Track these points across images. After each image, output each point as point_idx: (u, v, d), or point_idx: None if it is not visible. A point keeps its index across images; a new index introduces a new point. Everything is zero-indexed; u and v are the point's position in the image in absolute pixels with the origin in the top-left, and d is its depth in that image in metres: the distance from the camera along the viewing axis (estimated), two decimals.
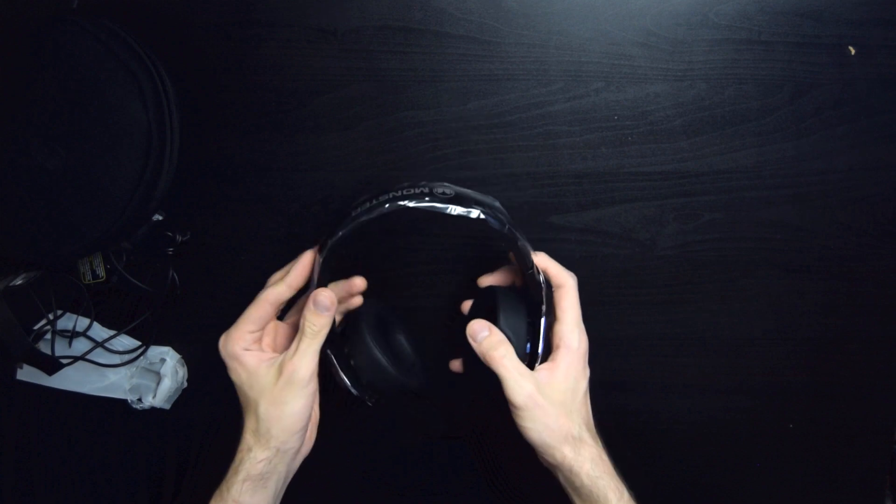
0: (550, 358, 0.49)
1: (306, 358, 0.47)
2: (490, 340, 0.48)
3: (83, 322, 0.62)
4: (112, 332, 0.63)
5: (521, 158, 0.60)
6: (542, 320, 0.50)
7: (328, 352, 0.51)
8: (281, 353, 0.49)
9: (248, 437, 0.48)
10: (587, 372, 0.50)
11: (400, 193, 0.45)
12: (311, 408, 0.48)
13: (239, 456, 0.48)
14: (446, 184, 0.47)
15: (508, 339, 0.49)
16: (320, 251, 0.48)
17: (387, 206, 0.45)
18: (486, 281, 0.56)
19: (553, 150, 0.60)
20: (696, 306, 0.63)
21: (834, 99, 0.59)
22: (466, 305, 0.58)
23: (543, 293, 0.50)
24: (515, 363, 0.47)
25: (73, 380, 0.63)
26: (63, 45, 0.49)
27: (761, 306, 0.63)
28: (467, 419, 0.65)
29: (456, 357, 0.58)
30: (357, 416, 0.65)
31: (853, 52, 0.58)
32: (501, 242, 0.49)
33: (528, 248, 0.49)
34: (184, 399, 0.64)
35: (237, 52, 0.58)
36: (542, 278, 0.50)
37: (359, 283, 0.55)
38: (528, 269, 0.50)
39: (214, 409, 0.65)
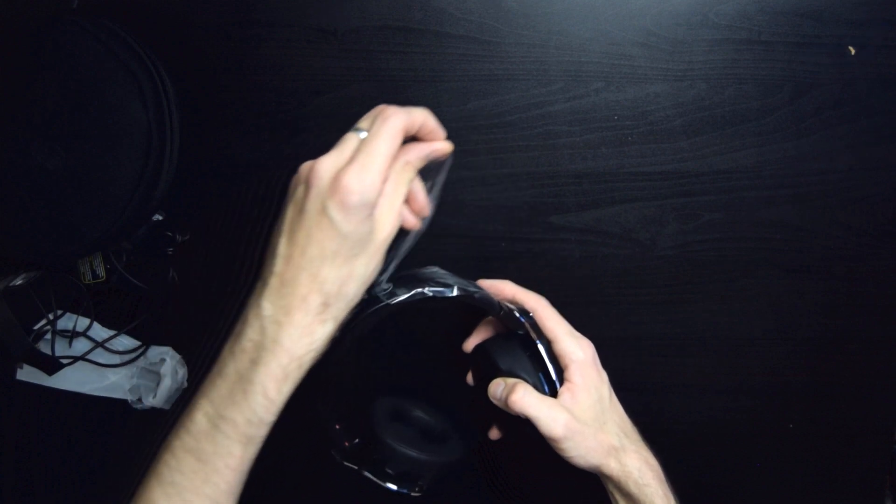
0: (565, 378, 0.49)
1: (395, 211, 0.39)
2: (506, 390, 0.47)
3: (83, 322, 0.62)
4: (112, 332, 0.63)
5: (521, 158, 0.60)
6: (539, 346, 0.49)
7: (364, 473, 0.51)
8: None
9: (309, 294, 0.37)
10: (604, 375, 0.50)
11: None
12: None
13: (297, 316, 0.38)
14: (383, 283, 0.46)
15: (521, 379, 0.48)
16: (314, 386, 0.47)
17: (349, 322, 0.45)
18: (471, 343, 0.55)
19: (553, 150, 0.60)
20: (696, 306, 0.63)
21: (834, 99, 0.59)
22: (469, 378, 0.57)
23: (526, 323, 0.50)
24: (539, 399, 0.46)
25: (73, 380, 0.63)
26: (63, 45, 0.49)
27: (761, 306, 0.63)
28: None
29: (488, 425, 0.57)
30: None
31: (853, 52, 0.58)
32: (460, 304, 0.49)
33: (487, 294, 0.49)
34: (184, 399, 0.64)
35: (237, 52, 0.58)
36: (515, 310, 0.50)
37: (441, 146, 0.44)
38: (498, 311, 0.50)
39: None
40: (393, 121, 0.39)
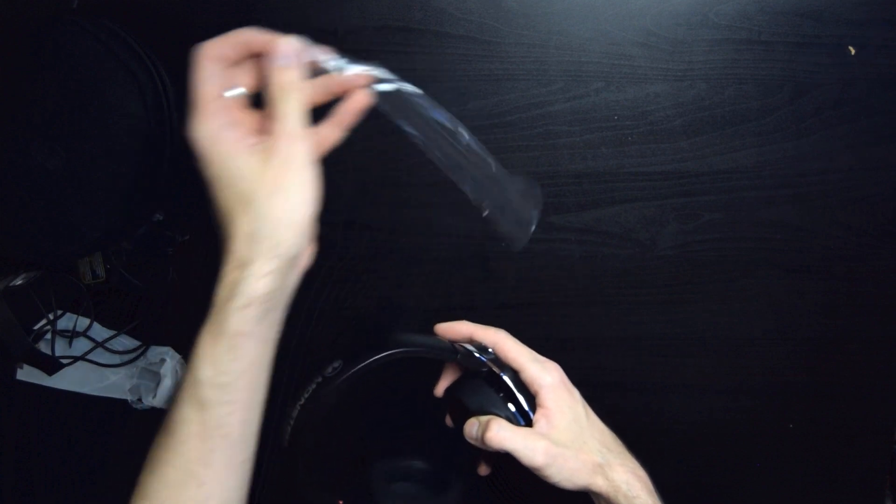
0: (537, 405, 0.49)
1: (292, 120, 0.36)
2: (480, 428, 0.47)
3: (83, 322, 0.62)
4: (112, 332, 0.63)
5: (521, 158, 0.60)
6: (505, 378, 0.49)
7: None
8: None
9: (240, 248, 0.36)
10: (576, 394, 0.50)
11: (303, 400, 0.46)
12: (316, 196, 0.37)
13: (230, 277, 0.37)
14: (334, 363, 0.46)
15: (494, 415, 0.49)
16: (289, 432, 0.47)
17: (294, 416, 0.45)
18: (441, 387, 0.55)
19: (553, 150, 0.60)
20: (696, 306, 0.63)
21: (834, 99, 0.59)
22: (448, 420, 0.56)
23: (486, 361, 0.50)
24: (513, 431, 0.46)
25: (73, 380, 0.63)
26: (63, 45, 0.49)
27: (761, 306, 0.63)
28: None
29: (476, 462, 0.57)
30: None
31: (853, 52, 0.58)
32: (409, 362, 0.49)
33: (436, 343, 0.49)
34: None
35: None
36: (474, 350, 0.50)
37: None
38: (454, 356, 0.50)
39: None
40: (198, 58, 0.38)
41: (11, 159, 0.50)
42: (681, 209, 0.61)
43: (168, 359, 0.62)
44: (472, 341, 0.51)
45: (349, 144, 0.60)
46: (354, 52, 0.58)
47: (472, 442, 0.48)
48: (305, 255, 0.40)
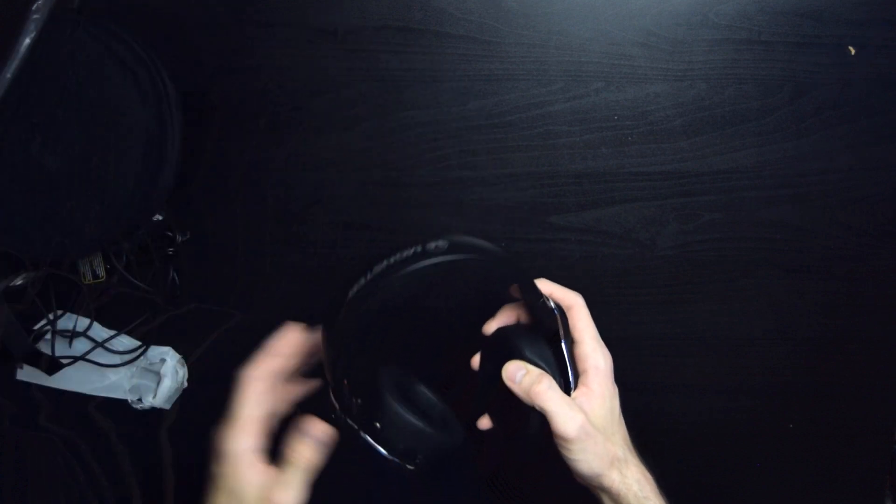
0: (580, 382, 0.48)
1: (293, 491, 0.43)
2: (529, 378, 0.46)
3: (83, 322, 0.62)
4: (112, 332, 0.63)
5: (521, 158, 0.60)
6: (564, 344, 0.48)
7: (361, 434, 0.50)
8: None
9: None
10: (616, 389, 0.49)
11: (393, 261, 0.44)
12: None
13: None
14: (440, 241, 0.45)
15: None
16: (325, 338, 0.46)
17: (383, 279, 0.44)
18: (493, 325, 0.53)
19: (553, 150, 0.60)
20: (696, 306, 0.63)
21: (834, 99, 0.59)
22: (475, 360, 0.55)
23: (559, 318, 0.49)
24: (561, 395, 0.45)
25: (73, 380, 0.63)
26: (63, 45, 0.49)
27: (761, 306, 0.63)
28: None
29: (480, 413, 0.55)
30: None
31: (853, 52, 0.58)
32: (506, 281, 0.48)
33: (525, 278, 0.48)
34: (184, 399, 0.64)
35: (237, 52, 0.58)
36: (552, 304, 0.49)
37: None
38: (539, 298, 0.49)
39: (214, 409, 0.65)
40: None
41: (11, 159, 0.50)
42: (681, 209, 0.61)
43: (168, 359, 0.62)
44: (549, 297, 0.50)
45: (349, 144, 0.60)
46: (354, 52, 0.58)
47: (511, 385, 0.47)
48: None
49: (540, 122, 0.59)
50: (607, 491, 0.47)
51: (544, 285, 0.51)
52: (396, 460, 0.48)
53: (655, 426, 0.66)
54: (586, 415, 0.46)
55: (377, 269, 0.44)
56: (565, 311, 0.50)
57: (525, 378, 0.47)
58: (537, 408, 0.45)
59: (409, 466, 0.49)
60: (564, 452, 0.46)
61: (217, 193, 0.61)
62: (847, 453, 0.66)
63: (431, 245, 0.44)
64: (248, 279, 0.62)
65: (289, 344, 0.48)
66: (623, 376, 0.65)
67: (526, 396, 0.46)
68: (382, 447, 0.48)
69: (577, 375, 0.48)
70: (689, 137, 0.59)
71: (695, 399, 0.65)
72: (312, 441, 0.44)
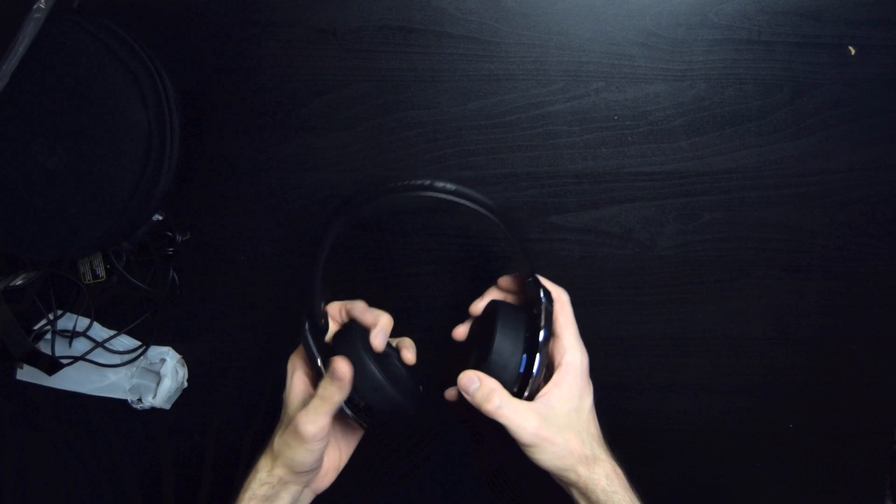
0: (553, 377, 0.49)
1: (314, 417, 0.46)
2: (482, 392, 0.47)
3: (83, 322, 0.62)
4: (112, 332, 0.63)
5: (521, 158, 0.60)
6: (542, 332, 0.48)
7: (319, 365, 0.50)
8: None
9: (264, 457, 0.49)
10: (590, 388, 0.50)
11: (402, 183, 0.46)
12: (319, 459, 0.48)
13: (252, 474, 0.49)
14: (448, 183, 0.46)
15: (503, 353, 0.48)
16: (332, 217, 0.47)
17: (387, 193, 0.45)
18: (479, 305, 0.54)
19: (553, 150, 0.60)
20: (696, 306, 0.63)
21: (834, 99, 0.59)
22: (458, 331, 0.56)
23: (543, 305, 0.49)
24: (513, 406, 0.46)
25: (73, 380, 0.63)
26: (63, 44, 0.49)
27: (761, 306, 0.63)
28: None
29: (451, 385, 0.56)
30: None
31: (853, 52, 0.58)
32: (507, 241, 0.49)
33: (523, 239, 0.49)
34: (184, 399, 0.64)
35: (237, 52, 0.58)
36: (541, 291, 0.50)
37: (384, 321, 0.52)
38: (529, 276, 0.50)
39: (214, 409, 0.65)
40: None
41: (11, 159, 0.50)
42: (681, 209, 0.61)
43: (168, 359, 0.62)
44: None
45: (349, 144, 0.60)
46: (354, 52, 0.58)
47: (465, 396, 0.49)
48: (317, 484, 0.51)
49: (540, 122, 0.59)
50: (574, 485, 0.48)
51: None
52: (350, 414, 0.48)
53: (655, 426, 0.66)
54: (547, 413, 0.47)
55: (385, 185, 0.46)
56: (553, 302, 0.50)
57: (477, 392, 0.48)
58: (493, 420, 0.47)
59: (363, 426, 0.50)
60: (527, 454, 0.47)
61: (217, 193, 0.61)
62: (847, 453, 0.66)
63: (440, 184, 0.46)
64: (248, 279, 0.62)
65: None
66: (623, 376, 0.65)
67: (478, 408, 0.47)
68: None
69: (546, 368, 0.49)
70: (689, 137, 0.59)
71: (695, 399, 0.65)
72: (336, 379, 0.46)
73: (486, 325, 0.51)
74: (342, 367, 0.46)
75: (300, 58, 0.58)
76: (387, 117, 0.59)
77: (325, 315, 0.52)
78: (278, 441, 0.48)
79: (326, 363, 0.48)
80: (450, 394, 0.55)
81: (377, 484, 0.66)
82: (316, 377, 0.49)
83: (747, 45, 0.58)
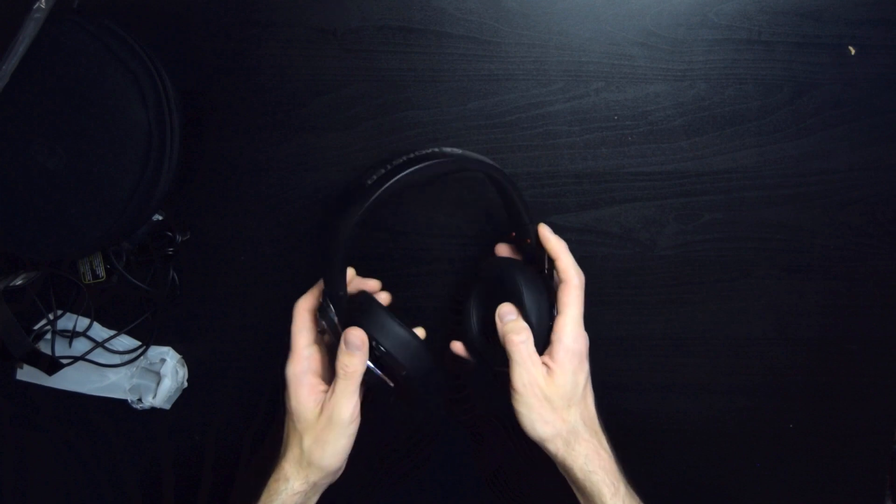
0: (546, 353, 0.50)
1: (345, 398, 0.47)
2: (515, 325, 0.49)
3: (83, 322, 0.62)
4: (112, 332, 0.63)
5: (521, 158, 0.60)
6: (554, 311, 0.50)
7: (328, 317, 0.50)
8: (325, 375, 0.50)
9: (286, 467, 0.48)
10: (585, 367, 0.50)
11: (413, 156, 0.46)
12: (352, 445, 0.49)
13: (274, 486, 0.48)
14: (456, 150, 0.48)
15: (531, 322, 0.50)
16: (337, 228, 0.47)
17: (398, 175, 0.45)
18: (493, 258, 0.57)
19: (553, 150, 0.60)
20: (696, 306, 0.63)
21: (834, 99, 0.59)
22: (456, 346, 0.57)
23: (555, 271, 0.51)
24: (529, 352, 0.48)
25: (73, 380, 0.63)
26: (63, 44, 0.49)
27: (761, 306, 0.63)
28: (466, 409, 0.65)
29: (456, 338, 0.58)
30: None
31: (853, 52, 0.58)
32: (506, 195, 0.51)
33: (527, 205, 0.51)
34: (184, 399, 0.64)
35: (237, 52, 0.58)
36: (553, 267, 0.52)
37: (373, 284, 0.56)
38: (530, 236, 0.52)
39: (214, 409, 0.65)
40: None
41: (11, 159, 0.50)
42: (681, 209, 0.61)
43: (168, 359, 0.62)
44: (555, 259, 0.53)
45: (349, 144, 0.60)
46: (354, 52, 0.58)
47: (497, 319, 0.51)
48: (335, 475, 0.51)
49: (540, 122, 0.59)
50: (554, 458, 0.49)
51: (554, 245, 0.53)
52: (378, 372, 0.49)
53: (655, 426, 0.66)
54: (544, 379, 0.48)
55: (396, 161, 0.46)
56: (562, 283, 0.51)
57: (510, 323, 0.50)
58: (506, 350, 0.49)
59: (390, 384, 0.50)
60: (512, 402, 0.49)
61: (217, 193, 0.61)
62: (847, 453, 0.66)
63: (447, 149, 0.48)
64: (248, 279, 0.62)
65: (317, 287, 0.52)
66: (623, 376, 0.65)
67: (502, 336, 0.49)
68: (373, 363, 0.49)
69: (546, 340, 0.50)
70: (689, 137, 0.59)
71: (695, 399, 0.65)
72: (353, 349, 0.47)
73: (501, 282, 0.52)
74: (357, 333, 0.47)
75: (300, 58, 0.58)
76: (387, 117, 0.59)
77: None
78: (309, 445, 0.47)
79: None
80: (456, 347, 0.57)
81: (377, 484, 0.66)
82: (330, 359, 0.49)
83: (747, 45, 0.58)
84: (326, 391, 0.48)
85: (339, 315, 0.48)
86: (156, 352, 0.63)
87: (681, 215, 0.61)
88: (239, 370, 0.64)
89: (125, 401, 0.63)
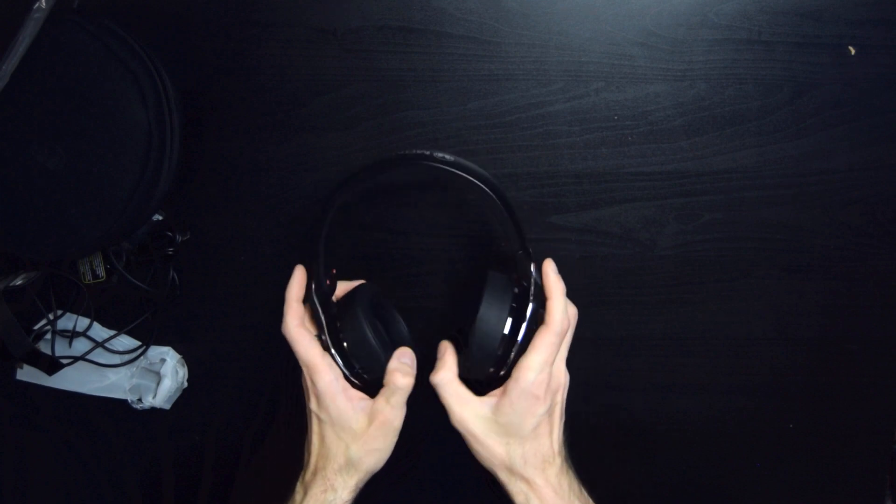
0: (505, 384, 0.49)
1: (399, 408, 0.50)
2: (438, 363, 0.51)
3: (83, 322, 0.62)
4: (112, 332, 0.63)
5: (521, 158, 0.60)
6: (530, 305, 0.49)
7: (321, 337, 0.51)
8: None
9: (331, 477, 0.49)
10: (544, 404, 0.48)
11: (403, 153, 0.48)
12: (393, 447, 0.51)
13: (322, 496, 0.49)
14: (447, 154, 0.49)
15: (488, 320, 0.49)
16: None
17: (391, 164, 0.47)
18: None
19: (553, 150, 0.60)
20: (696, 306, 0.63)
21: (834, 99, 0.59)
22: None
23: (532, 279, 0.50)
24: (451, 388, 0.50)
25: (73, 380, 0.63)
26: (63, 44, 0.49)
27: (761, 306, 0.63)
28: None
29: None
30: None
31: (853, 52, 0.58)
32: (499, 212, 0.50)
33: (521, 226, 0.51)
34: (184, 399, 0.64)
35: (237, 52, 0.58)
36: (531, 266, 0.51)
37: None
38: (519, 249, 0.51)
39: (214, 409, 0.65)
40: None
41: (11, 159, 0.50)
42: (681, 209, 0.61)
43: (168, 359, 0.62)
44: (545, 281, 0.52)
45: (349, 144, 0.60)
46: (354, 52, 0.58)
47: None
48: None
49: (540, 122, 0.59)
50: (504, 486, 0.50)
51: (557, 287, 0.51)
52: (346, 372, 0.50)
53: (655, 426, 0.66)
54: (488, 411, 0.49)
55: (387, 156, 0.48)
56: (543, 326, 0.50)
57: (437, 362, 0.51)
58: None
59: (356, 382, 0.51)
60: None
61: (217, 193, 0.61)
62: (847, 453, 0.66)
63: (439, 154, 0.48)
64: (248, 279, 0.62)
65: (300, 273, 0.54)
66: (623, 376, 0.65)
67: (432, 380, 0.51)
68: (342, 360, 0.50)
69: (512, 362, 0.50)
70: (689, 137, 0.59)
71: (695, 399, 0.65)
72: (405, 366, 0.50)
73: (476, 293, 0.52)
74: (409, 356, 0.51)
75: (300, 58, 0.58)
76: (387, 117, 0.59)
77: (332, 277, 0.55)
78: (357, 452, 0.49)
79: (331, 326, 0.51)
80: (442, 346, 0.56)
81: (377, 484, 0.66)
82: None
83: (747, 45, 0.58)
84: (362, 398, 0.50)
85: (324, 313, 0.51)
86: (156, 352, 0.63)
87: (681, 215, 0.61)
88: (239, 370, 0.64)
89: (125, 401, 0.63)
